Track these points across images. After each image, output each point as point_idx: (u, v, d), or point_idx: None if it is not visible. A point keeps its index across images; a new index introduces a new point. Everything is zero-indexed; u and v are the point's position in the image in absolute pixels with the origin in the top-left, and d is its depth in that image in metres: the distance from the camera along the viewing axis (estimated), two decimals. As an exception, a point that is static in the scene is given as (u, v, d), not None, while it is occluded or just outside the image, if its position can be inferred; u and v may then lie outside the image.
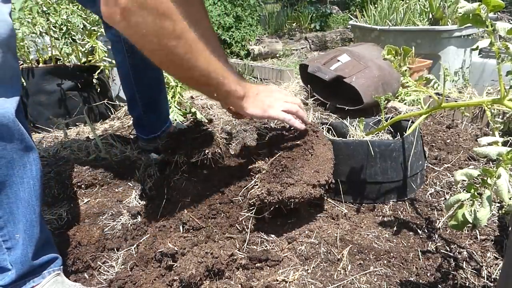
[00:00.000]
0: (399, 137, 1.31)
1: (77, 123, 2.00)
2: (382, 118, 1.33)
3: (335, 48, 2.96)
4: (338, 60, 1.94)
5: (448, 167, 1.40)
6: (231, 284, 0.93)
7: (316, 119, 1.81)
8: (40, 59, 2.05)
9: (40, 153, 1.53)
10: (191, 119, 1.89)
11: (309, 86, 2.07)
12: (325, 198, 1.26)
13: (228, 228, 1.11)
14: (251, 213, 1.10)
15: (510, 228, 1.01)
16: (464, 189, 0.88)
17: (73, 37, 2.02)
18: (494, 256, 0.99)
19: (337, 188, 1.24)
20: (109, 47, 1.60)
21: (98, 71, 2.02)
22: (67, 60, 2.06)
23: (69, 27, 1.98)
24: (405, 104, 2.04)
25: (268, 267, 0.99)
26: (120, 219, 1.18)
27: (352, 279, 0.94)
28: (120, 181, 1.38)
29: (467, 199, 0.80)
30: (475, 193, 0.79)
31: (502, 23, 0.93)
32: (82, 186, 1.33)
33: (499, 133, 1.00)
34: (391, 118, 1.27)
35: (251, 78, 3.43)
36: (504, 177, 0.74)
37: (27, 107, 1.91)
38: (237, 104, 1.03)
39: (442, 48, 2.72)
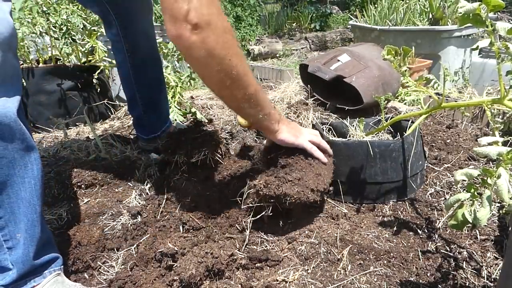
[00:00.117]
0: (399, 137, 1.31)
1: (77, 123, 2.00)
2: (382, 118, 1.33)
3: (335, 48, 2.96)
4: (338, 60, 1.94)
5: (448, 167, 1.40)
6: (231, 284, 0.93)
7: (316, 119, 1.81)
8: (40, 59, 2.05)
9: (40, 153, 1.53)
10: (191, 119, 1.89)
11: (309, 86, 2.07)
12: (325, 198, 1.26)
13: (228, 228, 1.11)
14: (250, 215, 1.10)
15: (510, 228, 1.01)
16: (464, 189, 0.88)
17: (73, 37, 2.02)
18: (494, 256, 0.99)
19: (337, 188, 1.24)
20: (109, 47, 1.60)
21: (98, 71, 2.02)
22: (67, 60, 2.07)
23: (69, 27, 1.98)
24: (405, 104, 2.04)
25: (268, 267, 0.99)
26: (120, 219, 1.18)
27: (352, 279, 0.94)
28: (120, 181, 1.38)
29: (467, 199, 0.80)
30: (475, 193, 0.79)
31: (502, 23, 0.93)
32: (82, 186, 1.33)
33: (499, 133, 1.00)
34: (391, 118, 1.27)
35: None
36: (504, 177, 0.74)
37: (27, 107, 1.91)
38: (271, 128, 1.04)
39: (442, 48, 2.72)
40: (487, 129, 1.72)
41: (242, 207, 1.12)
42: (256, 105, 0.96)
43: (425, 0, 2.96)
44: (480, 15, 0.94)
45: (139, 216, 1.19)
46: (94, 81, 2.00)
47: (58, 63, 2.06)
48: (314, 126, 1.41)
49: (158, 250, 0.97)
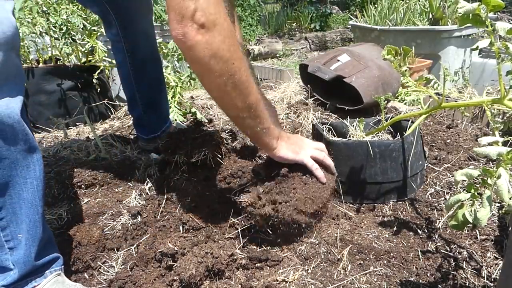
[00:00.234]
0: (399, 137, 1.31)
1: (77, 123, 2.00)
2: (382, 118, 1.33)
3: (335, 48, 2.96)
4: (338, 60, 1.94)
5: (448, 167, 1.40)
6: (231, 284, 0.93)
7: (316, 119, 1.81)
8: (40, 59, 2.05)
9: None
10: (191, 119, 1.89)
11: (309, 86, 2.07)
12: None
13: (228, 228, 1.11)
14: (242, 227, 1.08)
15: (510, 228, 1.01)
16: (464, 189, 0.88)
17: (73, 37, 2.02)
18: (494, 256, 0.99)
19: (337, 188, 1.24)
20: (109, 47, 1.60)
21: (98, 71, 2.02)
22: (67, 60, 2.07)
23: (69, 27, 1.98)
24: (405, 104, 2.04)
25: (268, 267, 0.99)
26: (120, 219, 1.18)
27: (352, 279, 0.94)
28: (120, 181, 1.38)
29: (467, 199, 0.80)
30: (475, 193, 0.79)
31: (502, 23, 0.93)
32: (82, 186, 1.33)
33: (499, 133, 1.00)
34: (391, 118, 1.27)
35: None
36: (504, 177, 0.74)
37: (27, 107, 1.91)
38: (269, 144, 1.01)
39: (442, 48, 2.73)
40: (487, 129, 1.72)
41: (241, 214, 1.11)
42: (255, 117, 0.93)
43: (425, 0, 2.97)
44: (480, 15, 0.94)
45: (139, 216, 1.19)
46: (94, 81, 2.00)
47: (58, 63, 2.07)
48: (314, 126, 1.41)
49: (158, 250, 0.97)
